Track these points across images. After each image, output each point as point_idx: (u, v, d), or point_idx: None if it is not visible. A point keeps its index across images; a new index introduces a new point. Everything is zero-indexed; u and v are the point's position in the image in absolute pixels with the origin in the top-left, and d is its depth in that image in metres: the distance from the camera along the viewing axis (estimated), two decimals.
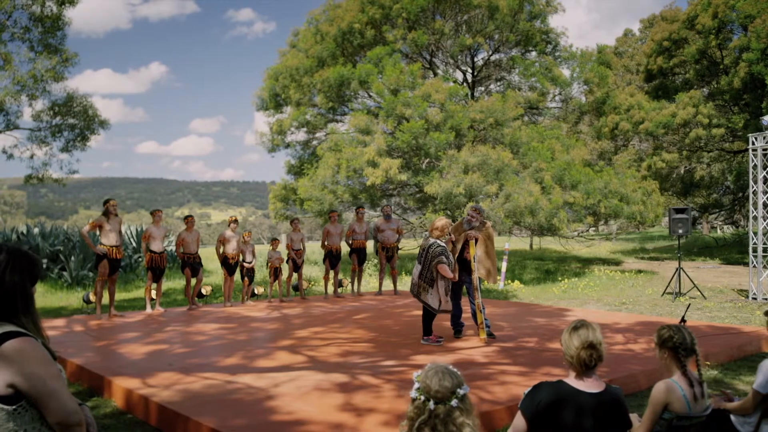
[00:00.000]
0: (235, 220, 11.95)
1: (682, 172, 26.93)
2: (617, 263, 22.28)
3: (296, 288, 13.20)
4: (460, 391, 2.51)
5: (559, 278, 16.90)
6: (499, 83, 21.45)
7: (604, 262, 22.64)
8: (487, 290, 14.90)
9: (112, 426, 5.39)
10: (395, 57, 17.41)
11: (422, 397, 2.51)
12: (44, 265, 16.32)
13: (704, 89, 23.57)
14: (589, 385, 2.86)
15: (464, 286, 8.40)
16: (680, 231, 13.42)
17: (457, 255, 8.09)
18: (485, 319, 8.16)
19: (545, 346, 7.78)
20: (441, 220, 7.74)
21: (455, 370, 2.56)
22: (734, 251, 24.18)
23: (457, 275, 8.08)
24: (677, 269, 13.51)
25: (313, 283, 15.66)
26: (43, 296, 14.38)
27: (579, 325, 2.89)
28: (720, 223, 42.67)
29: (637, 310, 11.70)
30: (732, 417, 3.97)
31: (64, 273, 16.20)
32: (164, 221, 11.37)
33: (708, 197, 26.94)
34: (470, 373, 6.40)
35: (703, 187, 25.95)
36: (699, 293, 13.31)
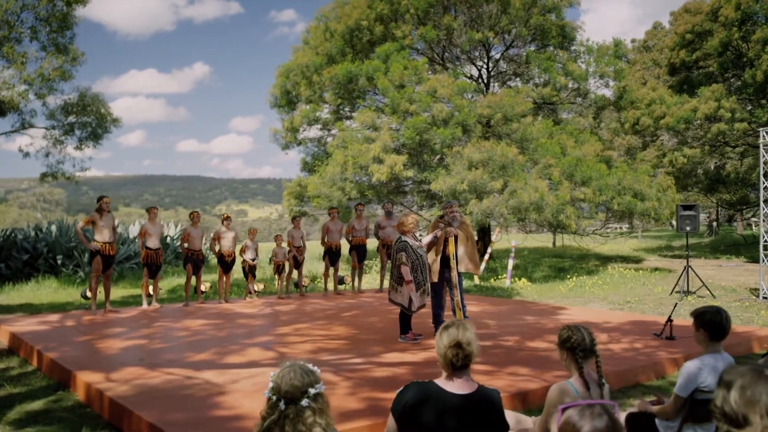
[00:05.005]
0: (228, 217, 12.05)
1: (711, 167, 26.16)
2: (637, 261, 21.79)
3: (297, 285, 13.26)
4: (312, 391, 2.47)
5: (569, 276, 16.61)
6: (517, 78, 21.14)
7: (625, 259, 22.16)
8: (492, 288, 14.74)
9: (67, 419, 5.48)
10: (404, 53, 17.30)
11: (274, 397, 2.47)
12: (60, 261, 16.70)
13: (733, 81, 22.83)
14: (458, 386, 2.78)
15: (446, 283, 8.32)
16: (688, 228, 13.08)
17: (429, 250, 8.00)
18: (465, 317, 8.08)
19: (524, 345, 7.65)
20: (410, 217, 7.67)
21: (312, 368, 2.52)
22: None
23: (436, 276, 8.02)
24: (685, 267, 13.18)
25: (318, 280, 15.69)
26: (56, 291, 14.72)
27: (450, 325, 2.82)
28: (756, 220, 41.40)
29: (640, 309, 11.43)
30: (656, 420, 3.84)
31: (79, 269, 16.55)
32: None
33: (735, 194, 26.10)
34: (435, 372, 6.32)
35: (729, 184, 25.17)
36: (708, 292, 12.96)
